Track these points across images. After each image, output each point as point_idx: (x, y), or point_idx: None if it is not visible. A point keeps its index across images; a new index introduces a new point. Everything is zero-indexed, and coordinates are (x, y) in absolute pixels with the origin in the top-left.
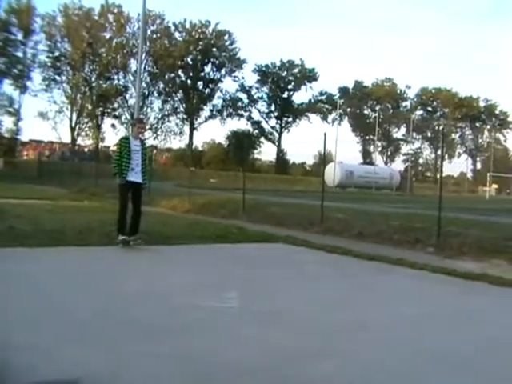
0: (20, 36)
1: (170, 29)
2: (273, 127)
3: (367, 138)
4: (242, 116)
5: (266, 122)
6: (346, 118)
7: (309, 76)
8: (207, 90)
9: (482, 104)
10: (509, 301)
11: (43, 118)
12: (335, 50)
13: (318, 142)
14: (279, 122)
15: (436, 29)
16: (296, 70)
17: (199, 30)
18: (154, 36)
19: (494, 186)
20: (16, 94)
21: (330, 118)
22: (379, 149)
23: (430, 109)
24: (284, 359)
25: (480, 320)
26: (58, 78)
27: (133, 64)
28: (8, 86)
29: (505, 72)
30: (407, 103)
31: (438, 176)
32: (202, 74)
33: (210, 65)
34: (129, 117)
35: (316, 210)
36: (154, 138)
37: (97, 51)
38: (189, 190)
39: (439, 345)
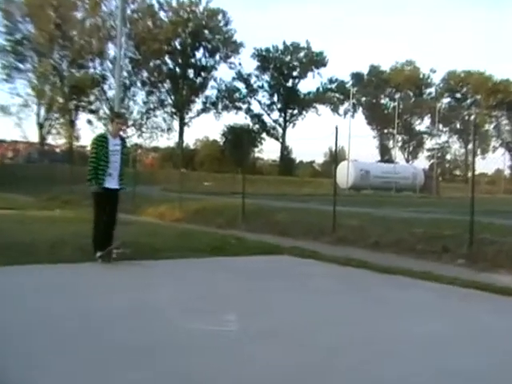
0: None
1: (153, 7)
2: (276, 121)
3: (385, 131)
4: (239, 109)
5: (268, 115)
6: (361, 108)
7: (316, 61)
8: (199, 79)
9: None
10: None
11: (4, 112)
12: (346, 31)
13: (328, 137)
14: (283, 114)
15: (463, 3)
16: (301, 55)
17: (188, 9)
18: (136, 16)
19: None
20: None
21: (341, 109)
22: (399, 144)
23: (458, 96)
24: (286, 379)
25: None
26: (21, 65)
27: (111, 49)
28: None
29: None
30: (432, 90)
31: (470, 174)
32: (193, 60)
33: (201, 49)
34: (108, 111)
35: (327, 217)
36: (139, 136)
37: (67, 34)
38: (179, 196)
39: (462, 368)
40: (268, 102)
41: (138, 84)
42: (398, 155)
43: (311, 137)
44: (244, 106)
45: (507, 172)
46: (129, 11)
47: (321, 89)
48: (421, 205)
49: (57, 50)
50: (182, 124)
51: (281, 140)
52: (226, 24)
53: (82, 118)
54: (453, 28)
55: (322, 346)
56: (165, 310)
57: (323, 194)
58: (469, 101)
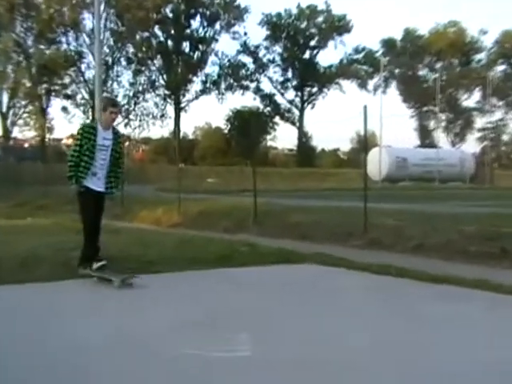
0: None
1: None
2: (291, 102)
3: (425, 109)
4: (246, 88)
5: (282, 94)
6: (394, 83)
7: (338, 27)
8: (196, 54)
9: None
10: None
11: None
12: None
13: (354, 118)
14: (299, 94)
15: None
16: (320, 20)
17: None
18: None
19: None
20: None
21: (370, 84)
22: (443, 124)
23: None
24: None
25: None
26: None
27: (88, 20)
28: None
29: None
30: (482, 56)
31: None
32: (188, 31)
33: (197, 17)
34: (87, 96)
35: (356, 215)
36: (126, 125)
37: (32, 2)
38: (177, 196)
39: None
40: (281, 79)
41: (123, 62)
42: (441, 138)
43: (334, 119)
44: (252, 85)
45: None
46: None
47: (345, 60)
48: (471, 197)
49: (19, 22)
50: (178, 109)
51: (298, 124)
52: None
53: (56, 104)
54: None
55: None
56: (155, 334)
57: (351, 189)
58: None
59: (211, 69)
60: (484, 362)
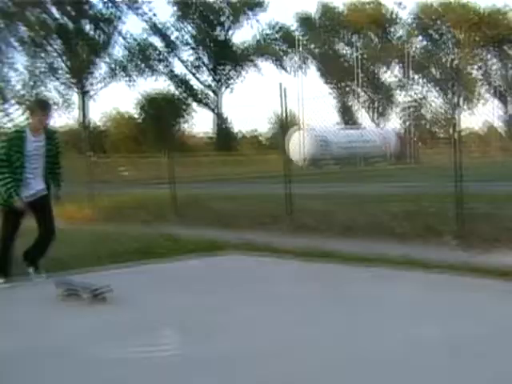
0: None
1: None
2: (207, 85)
3: (346, 88)
4: (157, 71)
5: (195, 77)
6: (313, 61)
7: (252, 3)
8: (100, 35)
9: None
10: None
11: None
12: None
13: (273, 100)
14: (214, 75)
15: None
16: None
17: None
18: None
19: None
20: None
21: (289, 63)
22: (365, 103)
23: (435, 35)
24: None
25: None
26: None
27: None
28: None
29: None
30: (401, 31)
31: (454, 134)
32: (89, 9)
33: None
34: None
35: (281, 200)
36: (23, 114)
37: None
38: (90, 189)
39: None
40: (194, 62)
41: (15, 44)
42: (364, 117)
43: (252, 102)
44: (165, 69)
45: (501, 128)
46: None
47: (260, 39)
48: (397, 176)
49: None
50: (83, 95)
51: (216, 110)
52: None
53: None
54: None
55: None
56: (73, 338)
57: (273, 173)
58: (449, 41)
59: (118, 51)
60: (413, 339)
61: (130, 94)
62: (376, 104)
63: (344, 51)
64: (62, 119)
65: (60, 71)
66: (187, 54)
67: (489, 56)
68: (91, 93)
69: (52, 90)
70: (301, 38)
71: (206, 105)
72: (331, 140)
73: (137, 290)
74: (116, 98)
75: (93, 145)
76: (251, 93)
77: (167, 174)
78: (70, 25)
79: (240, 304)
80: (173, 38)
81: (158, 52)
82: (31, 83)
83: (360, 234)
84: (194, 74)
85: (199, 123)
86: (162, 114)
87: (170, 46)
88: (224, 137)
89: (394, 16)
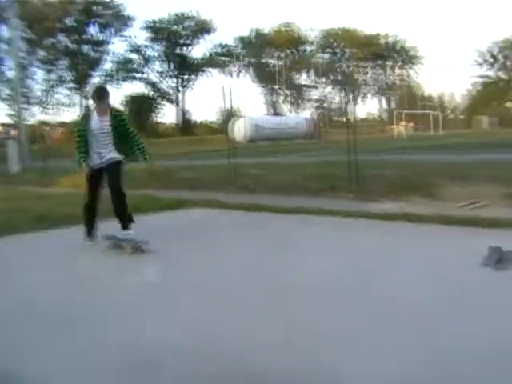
0: None
1: None
2: (173, 87)
3: (273, 88)
4: (136, 79)
5: (163, 82)
6: (249, 69)
7: (205, 28)
8: (95, 54)
9: (390, 41)
10: (425, 238)
11: None
12: None
13: (221, 97)
14: (178, 80)
15: None
16: (191, 24)
17: None
18: None
19: (409, 124)
20: None
21: (232, 70)
22: (286, 98)
23: (336, 51)
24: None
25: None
26: None
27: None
28: None
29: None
30: (310, 47)
31: (351, 119)
32: (87, 36)
33: (93, 25)
34: (9, 91)
35: (228, 169)
36: (42, 112)
37: None
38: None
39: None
40: (163, 70)
41: (37, 63)
42: (286, 108)
43: (209, 98)
44: (141, 77)
45: (384, 115)
46: None
47: (210, 54)
48: (310, 150)
49: None
50: (83, 97)
51: (181, 104)
52: None
53: None
54: None
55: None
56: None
57: (223, 150)
58: (345, 55)
59: (108, 65)
60: (333, 275)
61: (117, 96)
62: (294, 99)
63: (270, 62)
64: (69, 115)
65: (67, 81)
66: (158, 66)
67: (375, 67)
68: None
69: (62, 94)
70: (239, 53)
71: (172, 101)
72: (262, 125)
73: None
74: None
75: None
76: (205, 92)
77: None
78: (74, 47)
79: (204, 245)
80: (147, 54)
81: (136, 64)
82: (47, 90)
83: (285, 191)
84: (163, 80)
85: (168, 115)
86: (140, 109)
87: (145, 60)
88: (186, 124)
89: (305, 37)
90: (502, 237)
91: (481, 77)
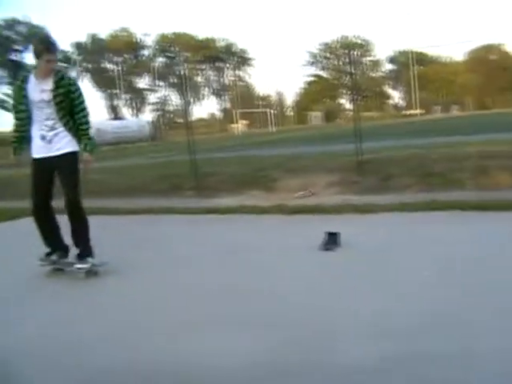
0: None
1: None
2: (8, 95)
3: (113, 92)
4: None
5: None
6: (88, 74)
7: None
8: None
9: (222, 44)
10: (263, 228)
11: None
12: (65, 2)
13: None
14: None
15: None
16: (24, 30)
17: None
18: None
19: (245, 122)
20: None
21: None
22: (127, 102)
23: (171, 55)
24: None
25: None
26: None
27: None
28: None
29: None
30: (148, 52)
31: (189, 120)
32: None
33: None
34: None
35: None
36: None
37: None
38: None
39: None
40: None
41: None
42: (127, 112)
43: None
44: None
45: (220, 115)
46: None
47: None
48: (152, 152)
49: None
50: None
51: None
52: None
53: None
54: None
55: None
56: None
57: None
58: (181, 58)
59: None
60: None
61: None
62: (134, 103)
63: (109, 67)
64: None
65: None
66: None
67: (209, 69)
68: None
69: None
70: (76, 59)
71: (9, 110)
72: (103, 129)
73: None
74: None
75: None
76: None
77: None
78: None
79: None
80: None
81: None
82: None
83: (132, 193)
84: None
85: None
86: None
87: None
88: None
89: (141, 42)
90: (328, 221)
91: (309, 76)
